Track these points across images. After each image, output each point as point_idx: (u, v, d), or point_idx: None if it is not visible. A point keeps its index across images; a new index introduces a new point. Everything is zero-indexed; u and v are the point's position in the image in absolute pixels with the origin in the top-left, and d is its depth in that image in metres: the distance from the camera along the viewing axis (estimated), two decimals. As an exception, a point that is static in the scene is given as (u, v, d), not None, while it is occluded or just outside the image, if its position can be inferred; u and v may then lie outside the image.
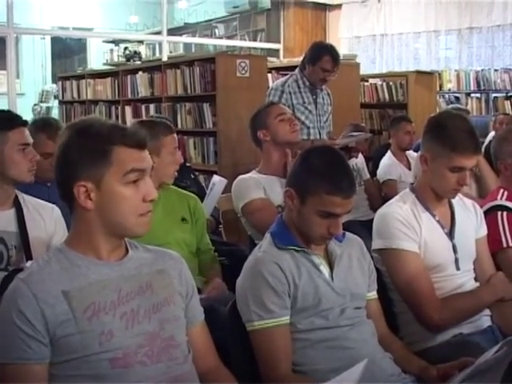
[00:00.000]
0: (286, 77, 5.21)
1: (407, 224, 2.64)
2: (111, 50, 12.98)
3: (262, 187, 3.45)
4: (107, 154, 1.77)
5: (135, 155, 1.80)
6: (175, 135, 3.29)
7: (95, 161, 1.77)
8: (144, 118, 7.13)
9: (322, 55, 4.98)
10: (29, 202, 2.75)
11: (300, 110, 5.00)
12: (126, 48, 11.64)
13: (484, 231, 2.86)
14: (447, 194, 2.73)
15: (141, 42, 12.69)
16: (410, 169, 5.84)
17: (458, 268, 2.70)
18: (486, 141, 6.99)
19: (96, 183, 1.78)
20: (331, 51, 5.04)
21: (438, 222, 2.72)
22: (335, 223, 2.22)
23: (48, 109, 12.73)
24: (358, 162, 5.84)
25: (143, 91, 7.73)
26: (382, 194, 5.81)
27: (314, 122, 5.09)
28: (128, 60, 10.33)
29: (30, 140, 2.74)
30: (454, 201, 2.81)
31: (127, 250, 1.92)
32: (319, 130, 5.12)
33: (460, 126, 2.64)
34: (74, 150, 1.79)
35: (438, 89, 9.01)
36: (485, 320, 2.70)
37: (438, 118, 2.84)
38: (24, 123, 2.75)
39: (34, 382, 1.71)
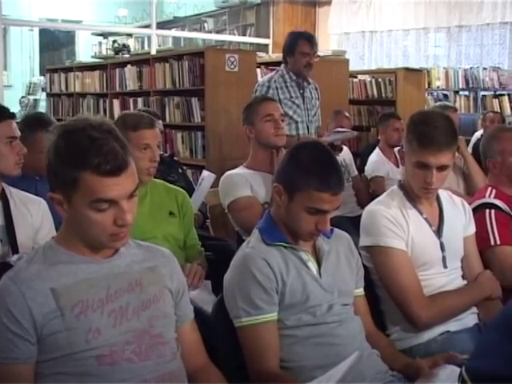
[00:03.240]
0: (273, 72, 5.19)
1: (394, 222, 2.62)
2: (100, 43, 12.97)
3: (248, 184, 3.44)
4: (75, 179, 1.70)
5: (107, 183, 1.70)
6: (148, 132, 3.10)
7: (65, 181, 1.72)
8: (132, 111, 7.13)
9: (296, 40, 5.00)
10: (16, 195, 2.72)
11: (287, 104, 4.97)
12: (114, 41, 11.63)
13: (472, 229, 2.84)
14: (419, 192, 2.67)
15: (130, 35, 12.67)
16: (398, 166, 5.83)
17: (445, 266, 2.69)
18: (473, 139, 7.02)
19: (67, 198, 1.74)
20: (304, 34, 5.11)
21: (426, 219, 2.70)
22: (323, 219, 2.21)
23: (35, 101, 12.70)
24: (346, 158, 5.84)
25: (131, 85, 7.71)
26: (369, 190, 5.81)
27: (303, 116, 5.06)
28: (116, 53, 10.30)
29: (18, 133, 2.71)
30: (442, 198, 2.80)
31: None
32: (307, 125, 5.08)
33: (433, 122, 2.59)
34: (53, 160, 1.76)
35: (426, 86, 9.01)
36: (472, 318, 2.70)
37: (417, 113, 2.79)
38: (12, 116, 2.72)
39: (21, 382, 1.70)
